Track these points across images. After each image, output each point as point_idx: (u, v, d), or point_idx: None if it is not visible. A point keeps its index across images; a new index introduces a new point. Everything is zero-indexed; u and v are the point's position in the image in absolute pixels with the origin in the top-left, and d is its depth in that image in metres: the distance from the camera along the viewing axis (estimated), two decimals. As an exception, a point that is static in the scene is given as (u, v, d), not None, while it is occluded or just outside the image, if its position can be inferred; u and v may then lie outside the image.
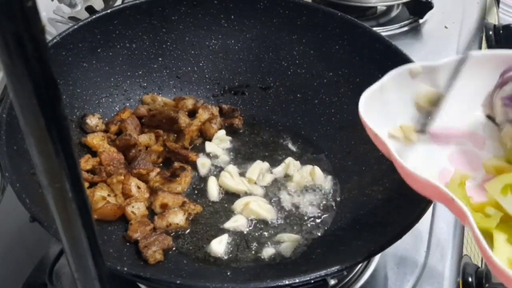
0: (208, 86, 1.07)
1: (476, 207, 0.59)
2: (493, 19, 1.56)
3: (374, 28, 1.11)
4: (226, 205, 0.90)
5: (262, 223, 0.87)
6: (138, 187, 0.88)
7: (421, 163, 0.67)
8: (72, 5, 1.22)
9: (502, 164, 0.65)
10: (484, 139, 0.72)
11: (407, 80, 0.72)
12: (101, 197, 0.84)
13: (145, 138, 0.96)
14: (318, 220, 0.88)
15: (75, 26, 0.94)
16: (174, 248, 0.82)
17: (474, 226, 0.54)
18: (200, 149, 0.98)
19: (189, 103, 1.03)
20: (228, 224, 0.86)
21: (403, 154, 0.66)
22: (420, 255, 0.88)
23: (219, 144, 0.99)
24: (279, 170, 0.95)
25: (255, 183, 0.93)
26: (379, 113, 0.68)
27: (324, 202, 0.91)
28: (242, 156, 0.98)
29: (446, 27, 1.39)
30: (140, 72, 1.04)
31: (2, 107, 0.79)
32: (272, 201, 0.91)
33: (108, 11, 0.99)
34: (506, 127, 0.71)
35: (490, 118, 0.74)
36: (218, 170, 0.95)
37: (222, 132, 1.00)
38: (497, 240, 0.54)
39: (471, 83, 0.73)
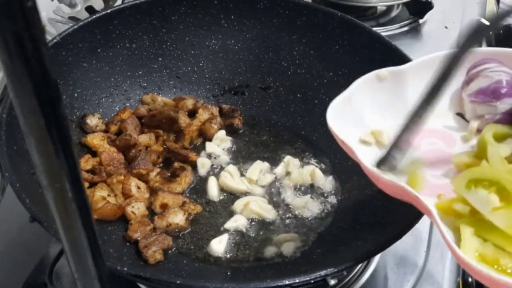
0: (208, 86, 1.07)
1: (444, 204, 0.60)
2: (493, 19, 1.55)
3: (374, 28, 1.11)
4: (226, 205, 0.90)
5: (262, 223, 0.87)
6: (138, 187, 0.88)
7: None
8: (72, 5, 1.22)
9: (471, 160, 0.66)
10: (455, 137, 0.73)
11: (375, 85, 0.73)
12: (101, 197, 0.84)
13: (145, 138, 0.96)
14: (318, 220, 0.88)
15: (75, 26, 0.94)
16: (174, 248, 0.82)
17: (438, 222, 0.55)
18: (200, 149, 0.98)
19: (189, 103, 1.03)
20: (228, 224, 0.86)
21: (376, 158, 0.67)
22: (420, 255, 0.88)
23: (220, 144, 0.99)
24: (279, 170, 0.95)
25: (255, 183, 0.93)
26: (349, 120, 0.69)
27: (324, 202, 0.90)
28: (242, 156, 0.98)
29: (446, 27, 1.39)
30: (140, 72, 1.04)
31: (2, 107, 0.79)
32: (272, 201, 0.91)
33: (108, 11, 0.99)
34: (472, 122, 0.72)
35: (460, 115, 0.75)
36: (218, 170, 0.95)
37: (222, 132, 1.00)
38: (464, 234, 0.56)
39: None
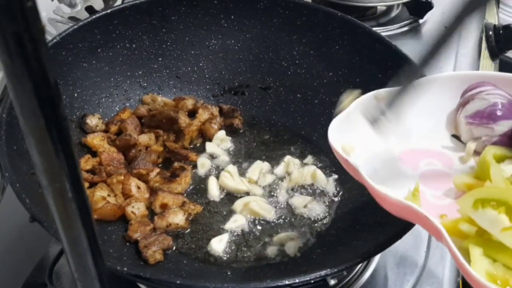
0: (208, 86, 1.07)
1: (450, 224, 0.60)
2: (493, 19, 1.55)
3: (374, 28, 1.11)
4: (226, 205, 0.90)
5: (262, 223, 0.87)
6: (138, 187, 0.88)
7: (394, 185, 0.68)
8: (72, 5, 1.22)
9: (471, 181, 0.66)
10: (452, 157, 0.74)
11: (373, 105, 0.73)
12: (101, 197, 0.84)
13: (145, 138, 0.96)
14: (318, 220, 0.88)
15: (75, 26, 0.94)
16: (174, 248, 0.82)
17: (450, 243, 0.54)
18: (200, 149, 0.98)
19: (189, 103, 1.03)
20: (228, 225, 0.86)
21: (374, 177, 0.66)
22: (420, 255, 0.88)
23: (220, 144, 0.99)
24: (279, 170, 0.95)
25: (255, 183, 0.93)
26: (349, 139, 0.69)
27: (324, 202, 0.90)
28: (242, 156, 0.98)
29: (446, 27, 1.38)
30: (140, 72, 1.04)
31: (2, 107, 0.79)
32: (272, 201, 0.91)
33: (108, 11, 0.99)
34: (469, 144, 0.73)
35: (456, 137, 0.76)
36: (218, 170, 0.95)
37: (222, 132, 1.00)
38: (473, 255, 0.55)
39: (435, 105, 0.76)
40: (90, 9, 1.23)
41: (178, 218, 0.84)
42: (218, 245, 0.83)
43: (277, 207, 0.89)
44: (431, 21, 1.40)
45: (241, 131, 1.03)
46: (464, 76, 0.77)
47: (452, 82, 0.76)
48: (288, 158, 0.96)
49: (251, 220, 0.87)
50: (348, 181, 0.92)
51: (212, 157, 0.97)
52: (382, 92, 0.73)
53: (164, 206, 0.86)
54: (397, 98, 0.67)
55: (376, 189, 0.61)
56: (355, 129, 0.71)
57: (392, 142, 0.73)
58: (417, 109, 0.74)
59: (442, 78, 0.77)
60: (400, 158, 0.73)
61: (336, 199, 0.91)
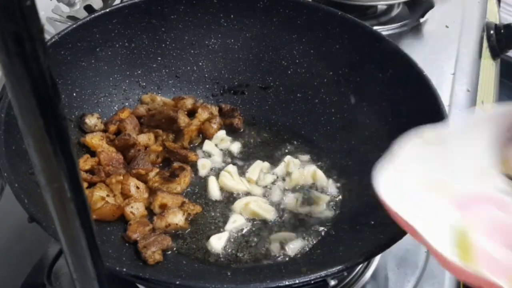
0: (207, 86, 1.07)
1: None
2: (494, 18, 1.55)
3: (375, 27, 1.10)
4: (226, 205, 0.89)
5: (262, 223, 0.87)
6: (137, 187, 0.87)
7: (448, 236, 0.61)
8: (70, 4, 1.21)
9: None
10: (509, 201, 0.66)
11: (422, 149, 0.66)
12: (100, 197, 0.83)
13: (144, 138, 0.95)
14: (318, 220, 0.88)
15: (74, 25, 0.94)
16: (173, 249, 0.82)
17: None
18: (200, 149, 0.98)
19: (189, 102, 1.03)
20: (228, 225, 0.86)
21: (427, 227, 0.60)
22: (420, 255, 0.88)
23: (219, 144, 0.99)
24: (279, 170, 0.94)
25: (255, 183, 0.93)
26: (397, 189, 0.63)
27: (324, 202, 0.90)
28: (242, 156, 0.98)
29: (447, 26, 1.39)
30: (139, 72, 1.03)
31: (0, 107, 0.78)
32: (272, 201, 0.90)
33: (107, 10, 0.98)
34: None
35: (509, 177, 0.69)
36: (218, 170, 0.95)
37: (222, 132, 1.00)
38: None
39: (479, 144, 0.69)
40: (89, 8, 1.23)
41: (177, 218, 0.84)
42: (218, 242, 0.83)
43: (277, 207, 0.89)
44: (432, 20, 1.40)
45: (241, 131, 1.02)
46: (507, 112, 0.69)
47: (495, 118, 0.69)
48: (288, 158, 0.96)
49: (251, 220, 0.87)
50: (348, 181, 0.92)
51: (212, 157, 0.97)
52: (430, 134, 0.67)
53: (164, 206, 0.85)
54: None
55: (446, 258, 0.55)
56: (404, 181, 0.64)
57: (443, 190, 0.66)
58: (463, 152, 0.68)
59: (485, 116, 0.70)
60: (454, 207, 0.65)
61: (336, 199, 0.91)
